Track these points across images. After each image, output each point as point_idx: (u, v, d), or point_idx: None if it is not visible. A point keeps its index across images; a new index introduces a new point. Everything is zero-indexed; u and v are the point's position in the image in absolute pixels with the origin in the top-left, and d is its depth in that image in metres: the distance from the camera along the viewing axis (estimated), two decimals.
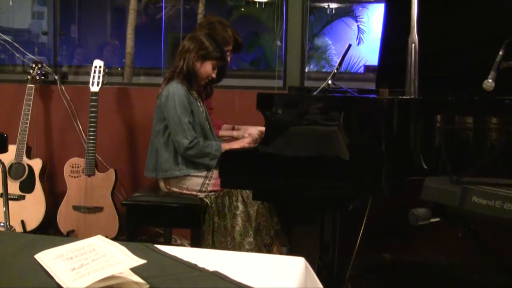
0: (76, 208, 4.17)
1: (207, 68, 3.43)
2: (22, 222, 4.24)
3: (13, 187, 4.23)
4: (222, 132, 3.81)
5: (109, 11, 8.30)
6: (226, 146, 3.36)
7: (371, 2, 9.13)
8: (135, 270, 1.61)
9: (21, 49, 5.01)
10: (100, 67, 4.26)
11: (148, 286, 1.56)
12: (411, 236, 3.98)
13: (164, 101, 3.35)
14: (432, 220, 2.37)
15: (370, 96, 3.52)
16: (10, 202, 3.85)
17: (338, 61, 3.59)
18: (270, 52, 7.82)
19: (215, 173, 3.36)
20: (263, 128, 3.58)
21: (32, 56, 5.00)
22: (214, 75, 3.49)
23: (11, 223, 3.72)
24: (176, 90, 3.34)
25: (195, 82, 3.44)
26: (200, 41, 3.41)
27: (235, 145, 3.42)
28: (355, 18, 8.72)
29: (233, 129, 3.87)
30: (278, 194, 2.87)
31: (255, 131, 3.64)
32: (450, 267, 4.00)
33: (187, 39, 3.47)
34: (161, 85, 3.48)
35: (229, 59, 3.72)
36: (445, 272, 4.02)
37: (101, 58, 4.34)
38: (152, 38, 6.78)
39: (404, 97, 2.86)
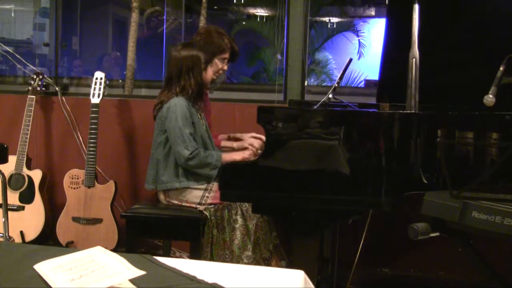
0: (75, 219, 4.16)
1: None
2: (21, 233, 4.23)
3: (13, 198, 4.23)
4: (223, 143, 3.82)
5: (110, 23, 8.34)
6: (226, 157, 3.37)
7: (372, 17, 9.19)
8: (134, 281, 1.60)
9: (23, 60, 5.02)
10: (101, 79, 4.27)
11: None
12: (411, 250, 3.97)
13: (166, 112, 3.37)
14: (432, 234, 2.37)
15: (371, 110, 3.52)
16: (10, 213, 3.84)
17: (339, 75, 3.60)
18: (270, 65, 7.84)
19: (214, 185, 3.36)
20: (262, 136, 3.60)
21: (33, 67, 5.02)
22: (225, 67, 3.72)
23: (10, 234, 3.71)
24: (177, 102, 3.36)
25: (197, 94, 3.48)
26: (196, 56, 3.45)
27: (236, 156, 3.42)
28: (356, 33, 8.77)
29: (228, 138, 3.88)
30: (278, 207, 2.87)
31: (255, 141, 3.66)
32: (449, 282, 3.99)
33: (179, 59, 3.46)
34: (156, 105, 3.50)
35: (226, 67, 3.74)
36: (444, 287, 4.02)
37: (102, 70, 4.35)
38: (153, 51, 6.81)
39: (404, 111, 2.87)
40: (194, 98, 3.45)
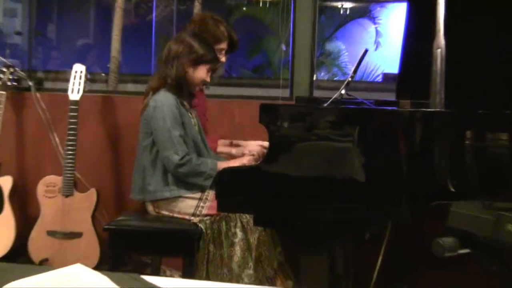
0: (50, 233, 4.15)
1: (201, 73, 3.45)
2: None
3: None
4: (219, 149, 3.81)
5: (92, 9, 8.34)
6: (223, 165, 3.34)
7: (391, 1, 9.17)
8: None
9: None
10: (81, 72, 4.27)
11: None
12: (435, 268, 3.96)
13: (152, 112, 3.34)
14: (461, 251, 2.36)
15: (389, 108, 3.52)
16: None
17: (353, 68, 3.60)
18: (274, 57, 7.86)
19: (210, 194, 3.35)
20: (266, 143, 3.59)
21: (3, 59, 5.01)
22: (208, 79, 3.52)
23: None
24: (165, 99, 3.33)
25: (186, 90, 3.45)
26: (189, 44, 3.42)
27: (234, 163, 3.40)
28: (372, 20, 8.78)
29: (231, 144, 3.86)
30: (283, 218, 2.86)
31: (256, 147, 3.65)
32: None
33: (173, 42, 3.47)
34: (145, 95, 3.48)
35: (223, 58, 3.73)
36: None
37: (82, 63, 4.34)
38: (141, 41, 6.82)
39: (428, 109, 2.86)
40: (178, 94, 3.42)
